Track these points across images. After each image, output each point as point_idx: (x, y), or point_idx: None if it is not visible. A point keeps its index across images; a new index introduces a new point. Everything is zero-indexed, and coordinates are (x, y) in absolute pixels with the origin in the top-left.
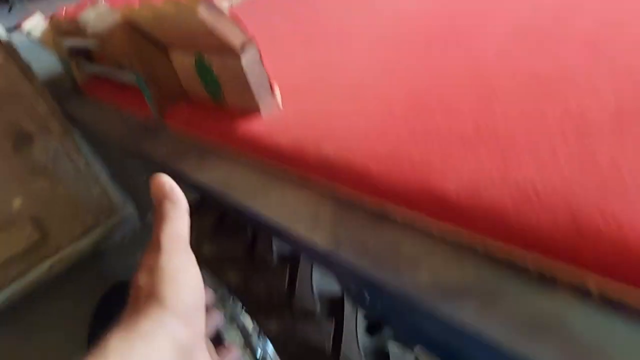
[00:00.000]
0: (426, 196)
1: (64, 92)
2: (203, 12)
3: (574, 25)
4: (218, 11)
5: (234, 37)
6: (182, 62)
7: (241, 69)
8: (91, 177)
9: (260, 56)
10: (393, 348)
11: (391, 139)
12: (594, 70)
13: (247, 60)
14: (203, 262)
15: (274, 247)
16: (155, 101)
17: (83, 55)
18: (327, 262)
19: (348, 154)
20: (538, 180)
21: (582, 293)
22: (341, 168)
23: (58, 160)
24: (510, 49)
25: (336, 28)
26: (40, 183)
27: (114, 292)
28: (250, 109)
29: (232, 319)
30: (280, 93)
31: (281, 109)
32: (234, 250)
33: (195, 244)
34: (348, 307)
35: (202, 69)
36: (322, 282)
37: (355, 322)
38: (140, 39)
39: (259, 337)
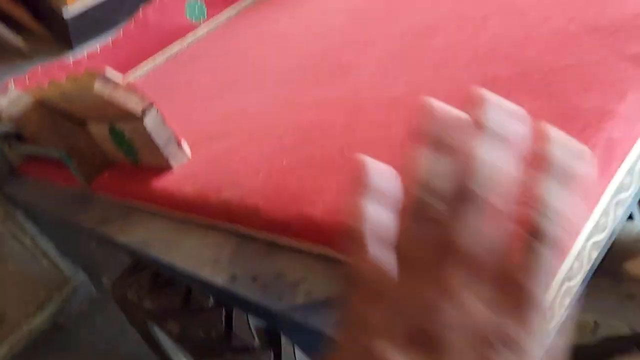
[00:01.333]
0: (301, 223)
1: (2, 175)
2: (99, 87)
3: (428, 48)
4: (113, 84)
5: (134, 105)
6: (99, 132)
7: (146, 131)
8: (39, 253)
9: (163, 116)
10: None
11: (276, 173)
12: (439, 88)
13: (150, 122)
14: (146, 316)
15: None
16: (81, 172)
17: (15, 137)
18: (228, 297)
19: (243, 194)
20: None
21: None
22: (238, 209)
23: (4, 243)
24: (377, 79)
25: (244, 75)
26: None
27: None
28: (163, 165)
29: None
30: (192, 143)
31: (190, 160)
32: (172, 302)
33: (137, 300)
34: (284, 336)
35: (116, 136)
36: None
37: (292, 349)
38: (55, 116)
39: None
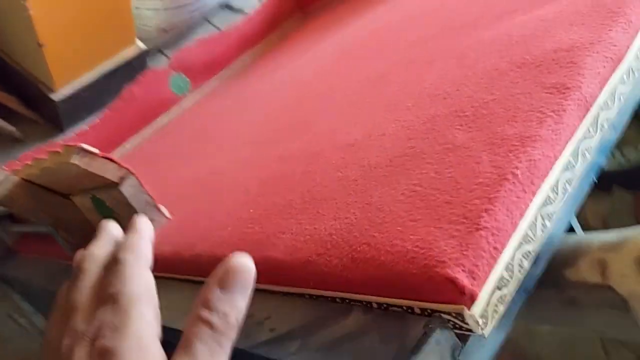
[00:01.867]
0: (264, 265)
1: None
2: (76, 160)
3: (380, 93)
4: (90, 155)
5: (111, 174)
6: (83, 204)
7: (125, 198)
8: (37, 332)
9: (140, 182)
10: None
11: (241, 224)
12: (387, 129)
13: (127, 190)
14: None
15: None
16: (68, 244)
17: (8, 218)
18: None
19: (212, 247)
20: (335, 231)
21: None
22: (208, 260)
23: (1, 323)
24: (335, 127)
25: (215, 139)
26: None
27: None
28: None
29: None
30: (169, 205)
31: (170, 221)
32: None
33: None
34: None
35: (99, 205)
36: None
37: None
38: (41, 192)
39: None
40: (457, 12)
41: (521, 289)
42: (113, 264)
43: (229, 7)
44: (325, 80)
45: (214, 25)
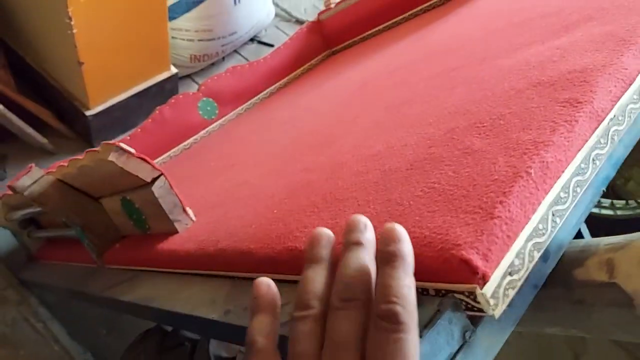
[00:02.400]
0: (286, 256)
1: (19, 262)
2: (114, 157)
3: (405, 115)
4: (127, 154)
5: (144, 174)
6: (112, 207)
7: (155, 198)
8: (51, 338)
9: (170, 184)
10: None
11: (266, 222)
12: (409, 142)
13: (158, 190)
14: None
15: (211, 350)
16: (94, 246)
17: (33, 224)
18: (222, 331)
19: (236, 241)
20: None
21: None
22: (232, 254)
23: (17, 327)
24: (359, 143)
25: (245, 156)
26: (1, 352)
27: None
28: (170, 229)
29: None
30: (195, 213)
31: (195, 223)
32: None
33: None
34: None
35: (128, 207)
36: None
37: None
38: (73, 194)
39: None
40: (479, 46)
41: (531, 283)
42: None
43: (259, 41)
44: (350, 106)
45: (244, 57)
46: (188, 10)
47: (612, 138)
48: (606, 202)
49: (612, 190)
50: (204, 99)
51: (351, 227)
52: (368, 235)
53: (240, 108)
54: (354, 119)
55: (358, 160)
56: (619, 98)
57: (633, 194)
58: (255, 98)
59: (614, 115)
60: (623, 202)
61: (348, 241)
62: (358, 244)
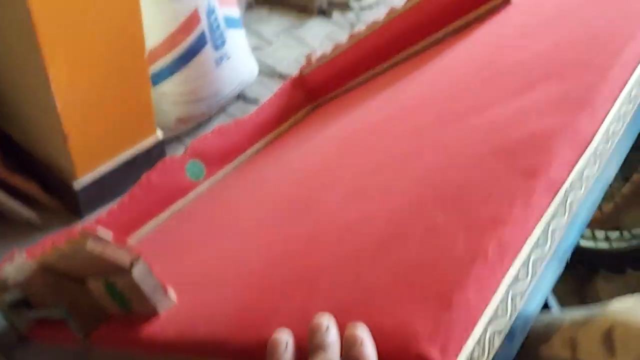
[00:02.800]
0: (259, 345)
1: (10, 344)
2: (91, 245)
3: (376, 182)
4: (104, 241)
5: (122, 259)
6: (96, 288)
7: (135, 282)
8: None
9: (150, 267)
10: None
11: (242, 305)
12: (380, 213)
13: (138, 274)
14: None
15: None
16: (80, 327)
17: (24, 305)
18: None
19: (215, 330)
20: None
21: None
22: (211, 344)
23: None
24: (334, 212)
25: (226, 224)
26: None
27: None
28: (152, 311)
29: None
30: (176, 289)
31: (177, 303)
32: None
33: None
34: None
35: (110, 289)
36: None
37: None
38: (58, 278)
39: None
40: (450, 103)
41: None
42: None
43: (244, 98)
44: (327, 171)
45: (230, 115)
46: (171, 74)
47: (571, 206)
48: (600, 234)
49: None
50: (191, 161)
51: (314, 329)
52: (331, 337)
53: (227, 167)
54: (329, 186)
55: (333, 231)
56: (575, 164)
57: (627, 225)
58: (242, 156)
59: (571, 183)
60: (617, 233)
61: (313, 345)
62: (322, 347)
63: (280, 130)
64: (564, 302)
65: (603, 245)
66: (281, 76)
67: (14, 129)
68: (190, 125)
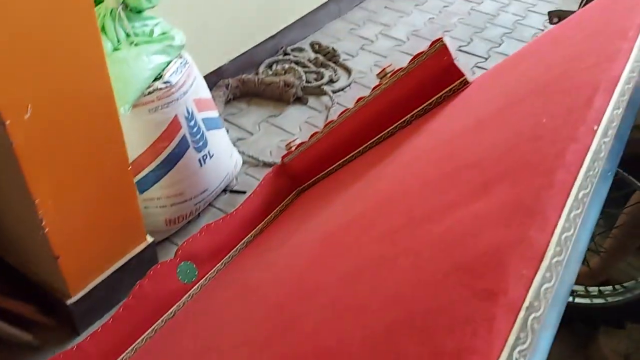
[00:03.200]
0: None
1: None
2: None
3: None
4: None
5: None
6: None
7: None
8: None
9: None
10: None
11: None
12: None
13: None
14: None
15: None
16: None
17: None
18: None
19: None
20: None
21: None
22: None
23: None
24: (316, 328)
25: (215, 334)
26: None
27: None
28: None
29: None
30: None
31: None
32: None
33: None
34: None
35: None
36: None
37: None
38: None
39: None
40: (416, 201)
41: None
42: None
43: (231, 191)
44: (306, 281)
45: (219, 209)
46: (157, 180)
47: (532, 328)
48: (594, 290)
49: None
50: (182, 263)
51: None
52: None
53: (219, 264)
54: (312, 295)
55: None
56: (531, 281)
57: (616, 277)
58: (234, 250)
59: (530, 303)
60: (610, 288)
61: None
62: None
63: (269, 218)
64: None
65: (598, 300)
66: (265, 164)
67: (6, 252)
68: (179, 225)
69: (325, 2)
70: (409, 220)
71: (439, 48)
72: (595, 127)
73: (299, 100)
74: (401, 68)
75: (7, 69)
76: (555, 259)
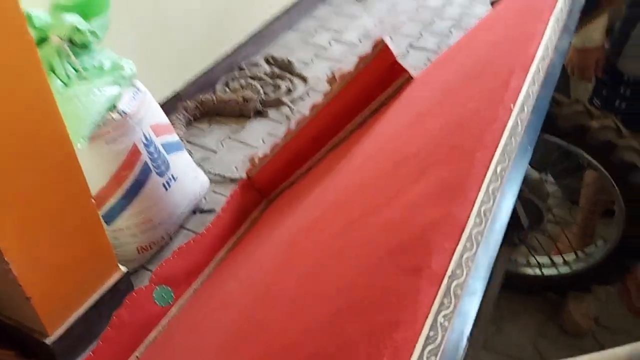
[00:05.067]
0: None
1: None
2: None
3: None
4: None
5: None
6: None
7: None
8: None
9: None
10: None
11: None
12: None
13: None
14: None
15: None
16: None
17: None
18: None
19: None
20: None
21: None
22: None
23: None
24: (278, 332)
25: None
26: None
27: None
28: None
29: None
30: None
31: None
32: None
33: None
34: None
35: None
36: None
37: None
38: None
39: None
40: (367, 196)
41: None
42: None
43: (200, 211)
44: (276, 280)
45: (190, 230)
46: (123, 210)
47: (455, 293)
48: (559, 259)
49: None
50: (157, 288)
51: None
52: None
53: (195, 283)
54: (279, 295)
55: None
56: (453, 252)
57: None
58: (208, 268)
59: (452, 271)
60: (573, 255)
61: None
62: None
63: (240, 232)
64: (542, 331)
65: (564, 269)
66: (232, 180)
67: None
68: (153, 252)
69: (277, 15)
70: (362, 213)
71: (380, 48)
72: (512, 105)
73: (260, 113)
74: (348, 72)
75: None
76: (475, 230)
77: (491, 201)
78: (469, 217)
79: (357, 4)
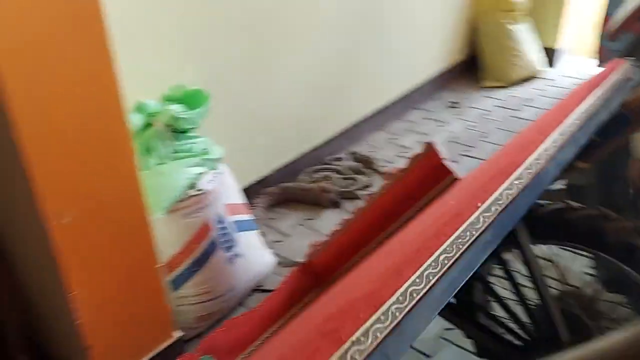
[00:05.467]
0: None
1: None
2: None
3: None
4: None
5: None
6: None
7: None
8: None
9: None
10: None
11: None
12: None
13: None
14: None
15: None
16: None
17: None
18: None
19: None
20: None
21: None
22: None
23: None
24: None
25: None
26: None
27: None
28: None
29: None
30: None
31: None
32: None
33: None
34: None
35: None
36: None
37: None
38: None
39: None
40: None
41: None
42: None
43: (262, 290)
44: None
45: (249, 307)
46: (189, 278)
47: (353, 358)
48: None
49: None
50: (202, 357)
51: None
52: None
53: (238, 358)
54: None
55: None
56: (364, 322)
57: None
58: (252, 345)
59: (357, 338)
60: None
61: None
62: None
63: (289, 314)
64: None
65: None
66: (297, 264)
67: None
68: (210, 322)
69: (367, 115)
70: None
71: (428, 150)
72: (479, 204)
73: (335, 204)
74: (400, 169)
75: (54, 184)
76: (395, 306)
77: (422, 284)
78: (393, 294)
79: (450, 110)
